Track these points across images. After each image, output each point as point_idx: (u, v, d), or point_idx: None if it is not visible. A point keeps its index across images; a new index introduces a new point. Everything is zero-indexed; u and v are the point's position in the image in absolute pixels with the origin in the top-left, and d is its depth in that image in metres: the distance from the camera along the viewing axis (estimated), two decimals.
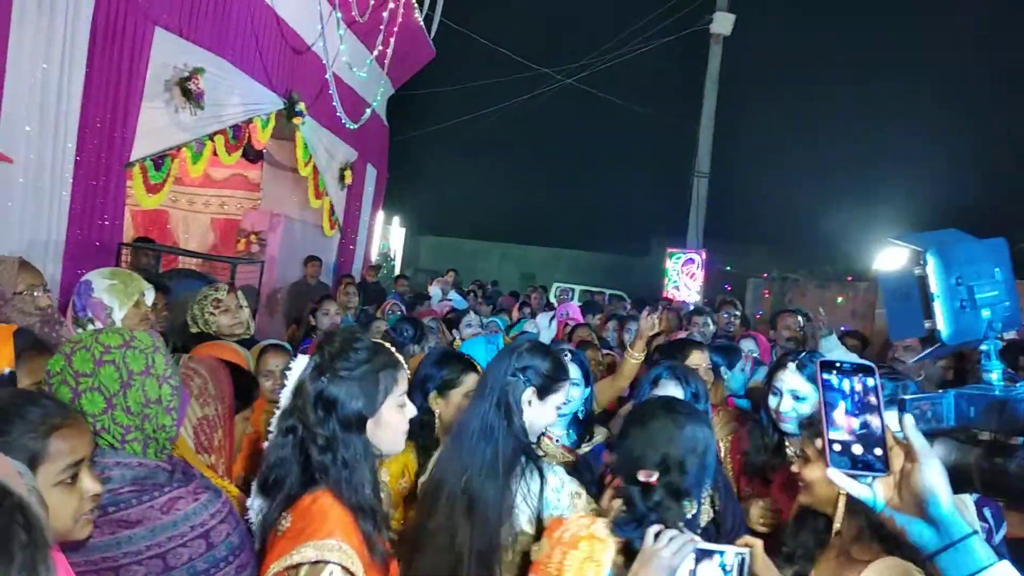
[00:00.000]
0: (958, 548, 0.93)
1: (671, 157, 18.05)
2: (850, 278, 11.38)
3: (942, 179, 16.15)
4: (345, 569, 1.40)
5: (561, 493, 1.94)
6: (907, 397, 1.15)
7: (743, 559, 1.60)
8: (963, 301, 1.25)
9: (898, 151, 17.55)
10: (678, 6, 15.22)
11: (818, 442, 1.03)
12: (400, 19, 9.66)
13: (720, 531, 2.24)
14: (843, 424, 1.04)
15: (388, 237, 13.99)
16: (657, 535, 1.61)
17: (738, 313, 6.09)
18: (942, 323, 1.25)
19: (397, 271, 13.81)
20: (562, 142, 24.77)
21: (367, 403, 1.59)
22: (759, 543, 1.72)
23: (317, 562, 1.39)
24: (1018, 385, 1.18)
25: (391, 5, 9.41)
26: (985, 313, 1.27)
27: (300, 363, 1.68)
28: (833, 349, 4.25)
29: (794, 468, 2.00)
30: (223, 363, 2.13)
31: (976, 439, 1.18)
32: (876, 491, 1.02)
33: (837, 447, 1.03)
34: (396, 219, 15.04)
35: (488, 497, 1.87)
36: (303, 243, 8.71)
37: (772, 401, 2.68)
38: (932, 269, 1.27)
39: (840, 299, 10.74)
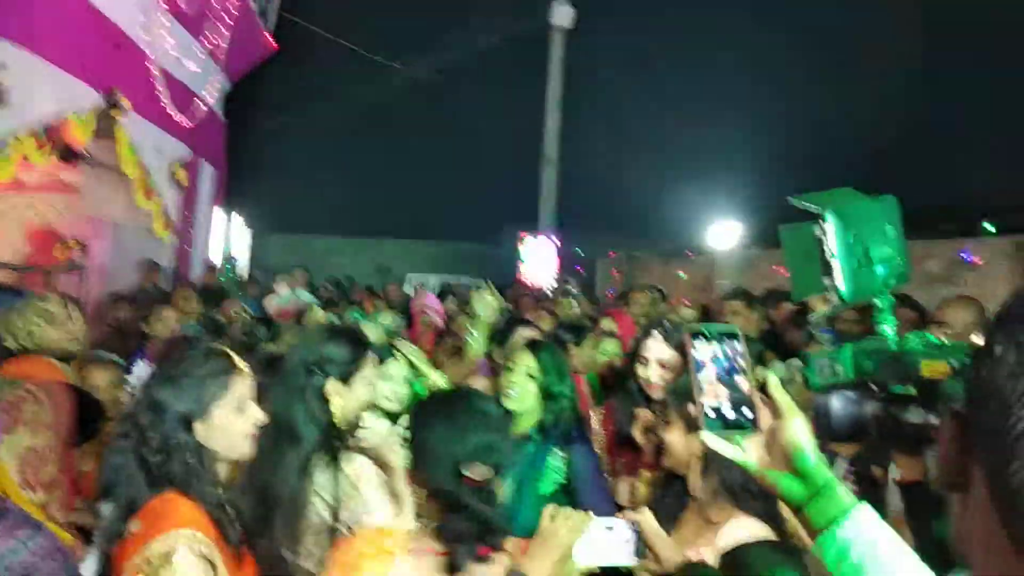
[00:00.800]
0: (821, 494, 0.95)
1: (520, 145, 18.39)
2: (689, 253, 12.17)
3: (770, 160, 17.63)
4: (199, 554, 1.41)
5: (363, 486, 1.89)
6: (809, 352, 1.23)
7: (636, 530, 1.62)
8: (859, 260, 1.29)
9: (728, 134, 18.93)
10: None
11: (690, 407, 1.04)
12: (234, 12, 9.15)
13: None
14: (713, 388, 1.05)
15: (230, 237, 13.25)
16: (553, 516, 1.60)
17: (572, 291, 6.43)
18: (841, 282, 1.33)
19: (245, 272, 13.13)
20: (411, 133, 24.47)
21: (195, 405, 1.62)
22: (647, 512, 1.74)
23: (167, 552, 1.39)
24: (909, 337, 1.25)
25: None
26: (880, 270, 1.32)
27: (141, 370, 1.70)
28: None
29: (670, 437, 2.03)
30: (68, 387, 1.95)
31: (870, 391, 1.23)
32: (747, 450, 1.03)
33: (710, 412, 1.04)
34: (239, 218, 14.26)
35: (283, 499, 1.83)
36: (135, 248, 8.07)
37: (640, 371, 2.76)
38: (831, 229, 1.33)
39: (681, 273, 11.47)
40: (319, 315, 4.93)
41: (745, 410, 1.04)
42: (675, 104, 20.27)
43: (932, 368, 1.14)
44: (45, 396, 1.82)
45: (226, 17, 9.03)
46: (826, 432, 1.19)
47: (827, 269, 1.31)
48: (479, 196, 22.27)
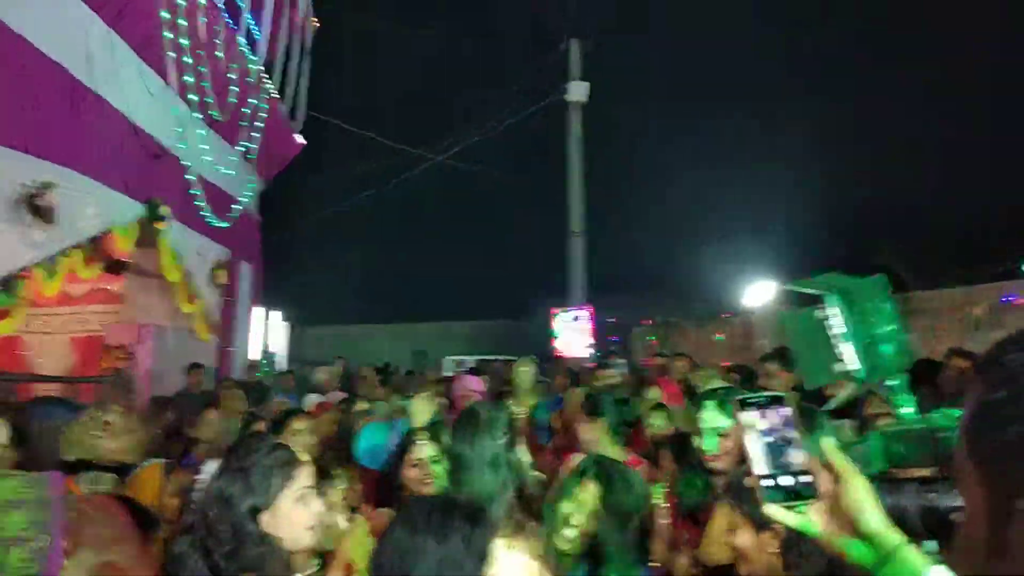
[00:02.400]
0: (892, 558, 0.93)
1: (546, 220, 18.66)
2: (724, 315, 12.04)
3: (798, 215, 17.61)
4: None
5: None
6: (832, 441, 1.15)
7: None
8: (868, 339, 1.27)
9: (757, 192, 19.02)
10: (535, 79, 16.12)
11: (746, 481, 1.03)
12: (265, 114, 9.62)
13: None
14: (768, 458, 1.03)
15: (269, 333, 13.49)
16: None
17: (622, 361, 6.39)
18: (855, 362, 1.28)
19: (284, 366, 13.28)
20: (438, 217, 25.11)
21: (261, 496, 1.67)
22: None
23: None
24: (933, 415, 1.19)
25: (252, 102, 9.36)
26: (886, 349, 1.29)
27: (209, 468, 1.76)
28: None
29: (740, 542, 1.85)
30: (118, 499, 1.96)
31: (897, 480, 1.16)
32: (811, 518, 1.01)
33: (768, 483, 1.02)
34: (278, 314, 14.56)
35: None
36: (177, 352, 8.24)
37: (697, 442, 2.68)
38: (836, 312, 1.31)
39: (718, 335, 11.32)
40: (362, 406, 4.94)
41: (803, 477, 1.02)
42: (698, 166, 20.51)
43: None
44: (96, 510, 1.82)
45: (257, 121, 9.48)
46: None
47: (837, 352, 1.28)
48: (509, 274, 22.49)
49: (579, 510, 2.23)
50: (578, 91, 15.90)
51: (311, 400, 7.04)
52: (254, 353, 11.33)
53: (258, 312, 11.80)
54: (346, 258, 23.50)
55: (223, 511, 1.64)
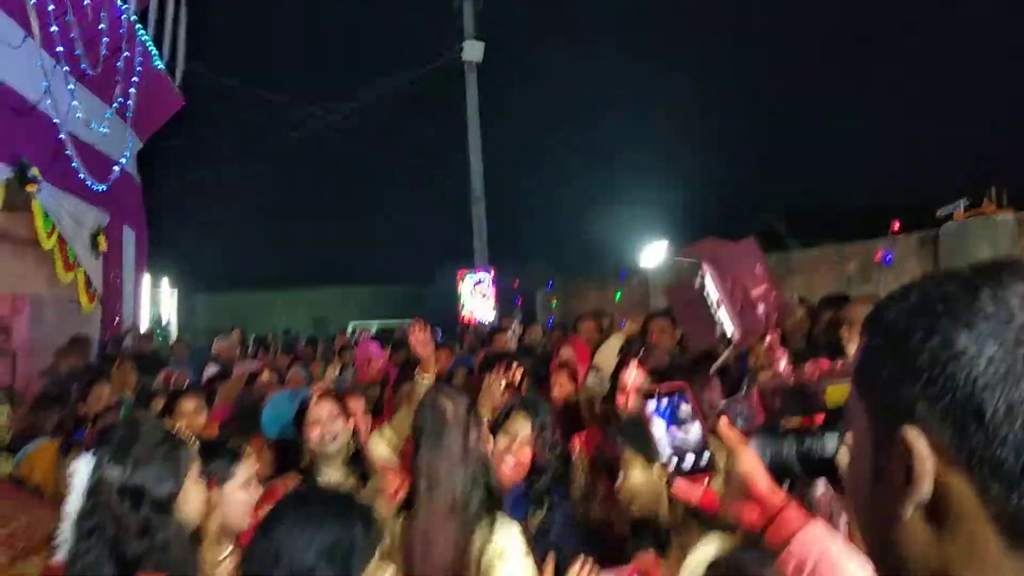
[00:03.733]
0: (778, 518, 1.05)
1: (447, 183, 18.51)
2: (623, 274, 12.42)
3: (689, 176, 18.25)
4: None
5: None
6: (723, 401, 1.26)
7: None
8: (742, 301, 1.38)
9: (649, 151, 19.53)
10: (431, 38, 15.78)
11: (659, 465, 1.11)
12: (139, 68, 8.98)
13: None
14: (673, 439, 1.15)
15: (158, 301, 12.82)
16: None
17: (515, 326, 6.50)
18: (729, 326, 1.39)
19: (174, 336, 12.69)
20: (335, 179, 24.40)
21: (173, 483, 1.64)
22: (653, 559, 1.69)
23: None
24: (805, 368, 1.31)
25: (125, 54, 8.72)
26: (760, 308, 1.41)
27: (84, 463, 1.65)
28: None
29: (617, 485, 2.03)
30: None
31: (777, 432, 1.26)
32: (711, 490, 1.15)
33: (673, 460, 1.15)
34: (165, 280, 13.84)
35: None
36: (59, 324, 7.71)
37: (620, 399, 2.75)
38: (710, 277, 1.40)
39: (618, 295, 11.69)
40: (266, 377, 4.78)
41: (705, 454, 1.15)
42: (595, 130, 20.83)
43: (839, 393, 1.19)
44: None
45: (131, 75, 8.86)
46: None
47: (714, 316, 1.36)
48: (412, 238, 22.25)
49: (513, 441, 2.42)
50: (473, 51, 15.69)
51: (211, 371, 6.80)
52: (143, 322, 10.76)
53: (145, 279, 11.18)
54: (238, 222, 22.51)
55: (135, 504, 1.58)
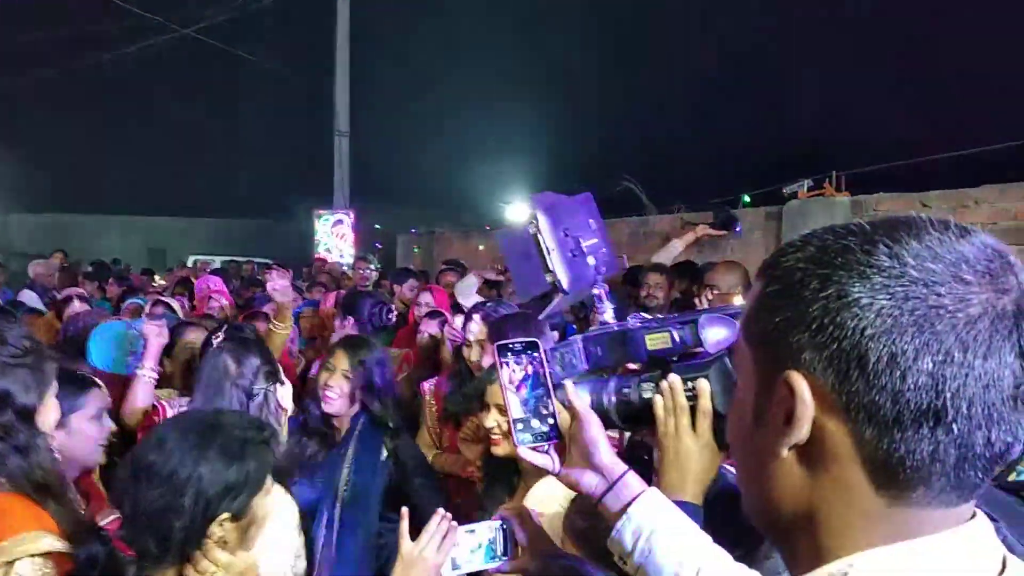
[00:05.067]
0: (617, 486, 1.06)
1: (309, 116, 17.56)
2: (488, 227, 12.41)
3: (560, 134, 18.48)
4: (41, 556, 1.38)
5: None
6: (547, 347, 1.23)
7: (503, 529, 1.46)
8: (573, 251, 1.38)
9: (518, 108, 19.49)
10: None
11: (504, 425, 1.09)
12: None
13: None
14: (521, 402, 1.14)
15: None
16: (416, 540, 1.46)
17: (372, 267, 6.41)
18: (561, 274, 1.38)
19: None
20: (185, 99, 22.33)
21: (36, 395, 1.56)
22: (525, 507, 1.59)
23: (10, 562, 1.35)
24: (629, 318, 1.29)
25: None
26: (591, 260, 1.41)
27: None
28: (469, 288, 4.58)
29: (488, 422, 1.99)
30: None
31: (600, 379, 1.26)
32: (554, 457, 1.14)
33: (519, 425, 1.13)
34: None
35: None
36: None
37: (466, 352, 2.83)
38: (543, 226, 1.40)
39: (481, 247, 11.67)
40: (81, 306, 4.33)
41: (550, 419, 1.14)
42: (471, 79, 20.48)
43: (655, 340, 1.19)
44: None
45: None
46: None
47: (546, 264, 1.38)
48: (266, 170, 20.98)
49: (333, 375, 2.55)
50: None
51: (28, 297, 6.11)
52: None
53: None
54: (64, 137, 20.21)
55: None
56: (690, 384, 1.13)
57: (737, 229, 6.40)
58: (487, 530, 1.47)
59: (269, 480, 1.45)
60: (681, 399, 1.13)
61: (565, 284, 1.38)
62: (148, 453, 1.37)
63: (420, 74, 21.07)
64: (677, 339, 1.17)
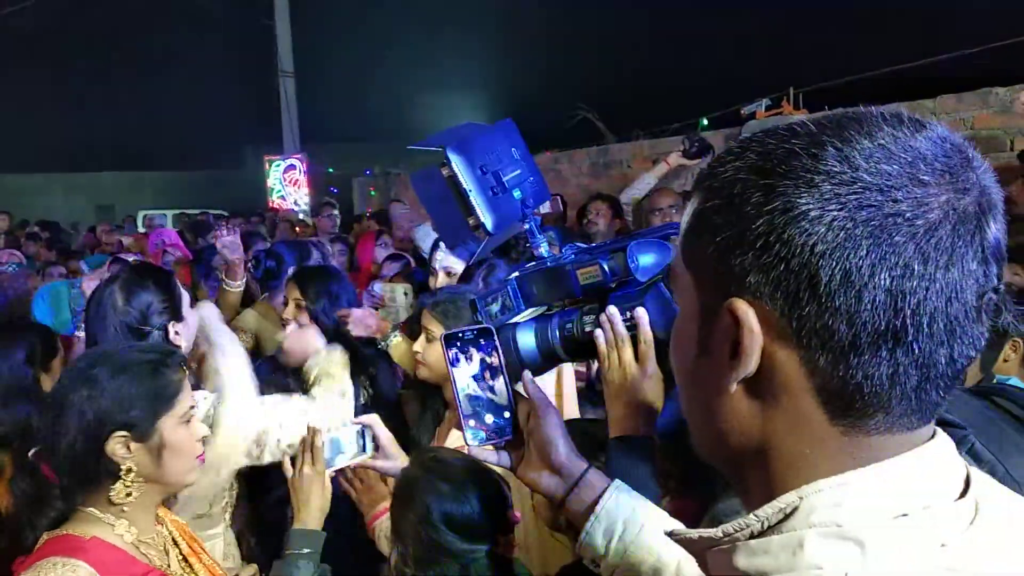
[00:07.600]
0: (579, 487, 0.99)
1: (251, 58, 16.80)
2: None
3: (515, 65, 18.01)
4: None
5: None
6: (474, 296, 1.15)
7: (363, 431, 1.71)
8: (493, 188, 1.27)
9: (469, 39, 18.91)
10: None
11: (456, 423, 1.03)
12: None
13: None
14: (472, 397, 1.05)
15: None
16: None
17: (336, 213, 6.51)
18: (484, 215, 1.25)
19: None
20: (124, 46, 21.15)
21: None
22: (375, 416, 1.78)
23: None
24: (564, 250, 1.23)
25: None
26: (517, 193, 1.30)
27: None
28: (427, 234, 4.48)
29: (416, 347, 2.10)
30: None
31: (543, 316, 1.22)
32: (511, 455, 1.06)
33: (471, 422, 1.04)
34: None
35: None
36: None
37: (431, 281, 2.85)
38: (456, 165, 1.24)
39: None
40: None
41: (505, 413, 1.05)
42: (416, 9, 19.72)
43: (586, 274, 1.14)
44: None
45: None
46: (519, 369, 1.16)
47: (467, 207, 1.27)
48: (213, 118, 20.15)
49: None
50: None
51: None
52: None
53: None
54: (4, 92, 19.17)
55: None
56: (628, 314, 1.11)
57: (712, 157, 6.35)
58: (350, 433, 1.71)
59: (187, 405, 1.41)
60: (621, 329, 1.11)
61: (490, 226, 1.26)
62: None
63: (364, 6, 20.21)
64: (607, 270, 1.12)
